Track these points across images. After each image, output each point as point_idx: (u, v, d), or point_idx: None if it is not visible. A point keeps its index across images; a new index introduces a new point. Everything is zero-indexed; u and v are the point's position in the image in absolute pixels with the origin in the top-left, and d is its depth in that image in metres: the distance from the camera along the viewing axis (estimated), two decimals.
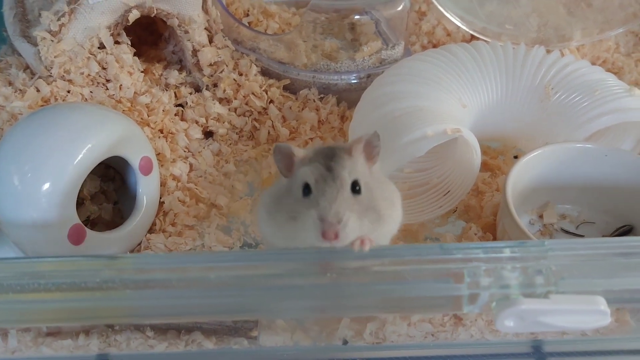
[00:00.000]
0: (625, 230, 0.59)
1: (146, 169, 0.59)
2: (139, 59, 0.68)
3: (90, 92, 0.65)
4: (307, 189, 0.39)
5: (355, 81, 0.73)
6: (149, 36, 0.77)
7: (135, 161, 0.58)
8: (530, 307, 0.35)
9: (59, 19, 0.62)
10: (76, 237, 0.53)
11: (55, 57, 0.62)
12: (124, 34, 0.67)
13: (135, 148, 0.58)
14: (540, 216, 0.62)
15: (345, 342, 0.50)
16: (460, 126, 0.55)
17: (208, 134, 0.72)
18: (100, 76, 0.65)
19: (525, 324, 0.35)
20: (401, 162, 0.55)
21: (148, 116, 0.66)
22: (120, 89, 0.65)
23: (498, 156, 0.69)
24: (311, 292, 0.36)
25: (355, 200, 0.39)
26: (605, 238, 0.58)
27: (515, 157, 0.68)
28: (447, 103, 0.60)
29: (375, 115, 0.59)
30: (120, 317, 0.39)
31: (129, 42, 0.67)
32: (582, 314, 0.35)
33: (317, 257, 0.38)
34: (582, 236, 0.60)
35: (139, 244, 0.60)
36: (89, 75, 0.64)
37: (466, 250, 0.37)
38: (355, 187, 0.40)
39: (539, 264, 0.36)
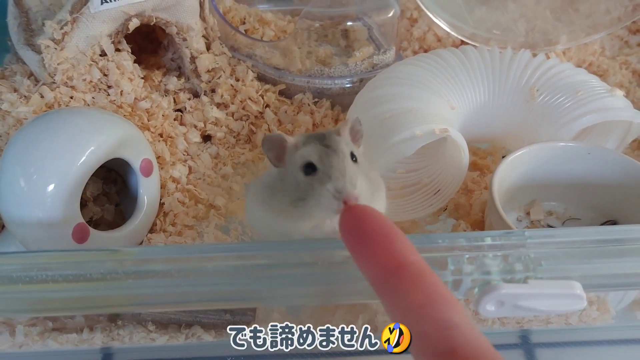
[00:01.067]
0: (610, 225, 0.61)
1: (147, 171, 0.61)
2: (139, 66, 0.70)
3: (92, 97, 0.66)
4: (310, 168, 0.40)
5: (348, 85, 0.74)
6: (149, 44, 0.79)
7: (136, 163, 0.59)
8: (510, 292, 0.37)
9: (62, 28, 0.63)
10: (80, 236, 0.54)
11: (58, 64, 0.64)
12: (125, 41, 0.68)
13: (136, 150, 0.59)
14: (528, 213, 0.64)
15: None
16: (448, 127, 0.57)
17: (206, 138, 0.74)
18: (101, 82, 0.66)
19: (506, 308, 0.37)
20: (391, 161, 0.57)
21: (148, 121, 0.68)
22: (121, 94, 0.67)
23: (487, 157, 0.71)
24: (303, 280, 0.38)
25: (358, 168, 0.41)
26: (581, 227, 0.60)
27: (504, 157, 0.69)
28: (436, 105, 0.61)
29: (367, 117, 0.61)
30: (123, 306, 0.40)
31: (130, 50, 0.69)
32: (559, 297, 0.37)
33: (309, 246, 0.40)
34: None
35: (140, 243, 0.61)
36: (91, 81, 0.66)
37: (450, 239, 0.39)
38: (353, 157, 0.41)
39: (518, 252, 0.38)
